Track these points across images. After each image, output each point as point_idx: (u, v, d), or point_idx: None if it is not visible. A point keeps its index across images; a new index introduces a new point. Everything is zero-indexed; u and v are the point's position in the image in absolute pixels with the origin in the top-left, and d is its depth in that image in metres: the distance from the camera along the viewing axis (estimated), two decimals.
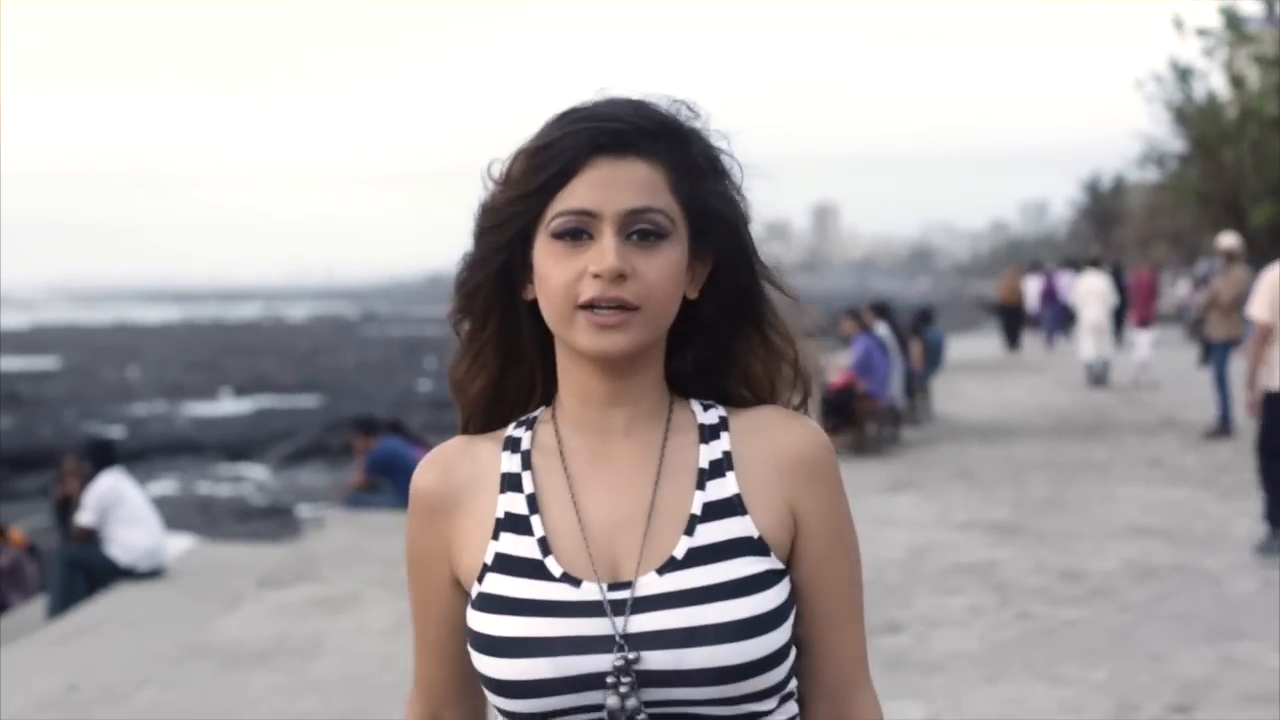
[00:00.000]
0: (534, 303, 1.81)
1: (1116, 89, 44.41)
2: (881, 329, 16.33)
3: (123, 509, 10.37)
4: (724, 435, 1.84)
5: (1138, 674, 6.77)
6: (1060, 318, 33.23)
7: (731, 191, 1.84)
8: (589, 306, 1.73)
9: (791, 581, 1.80)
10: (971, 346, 32.95)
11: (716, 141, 1.85)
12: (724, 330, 1.87)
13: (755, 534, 1.78)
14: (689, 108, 1.85)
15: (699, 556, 1.75)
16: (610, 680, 1.70)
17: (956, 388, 21.81)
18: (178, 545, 11.14)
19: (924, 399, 18.70)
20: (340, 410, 31.32)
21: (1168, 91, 38.91)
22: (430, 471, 1.86)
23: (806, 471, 1.82)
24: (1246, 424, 16.01)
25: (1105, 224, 70.07)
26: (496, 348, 1.87)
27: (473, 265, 1.85)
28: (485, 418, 1.90)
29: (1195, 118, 38.62)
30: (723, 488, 1.80)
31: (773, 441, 1.83)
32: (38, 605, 11.22)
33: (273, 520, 20.03)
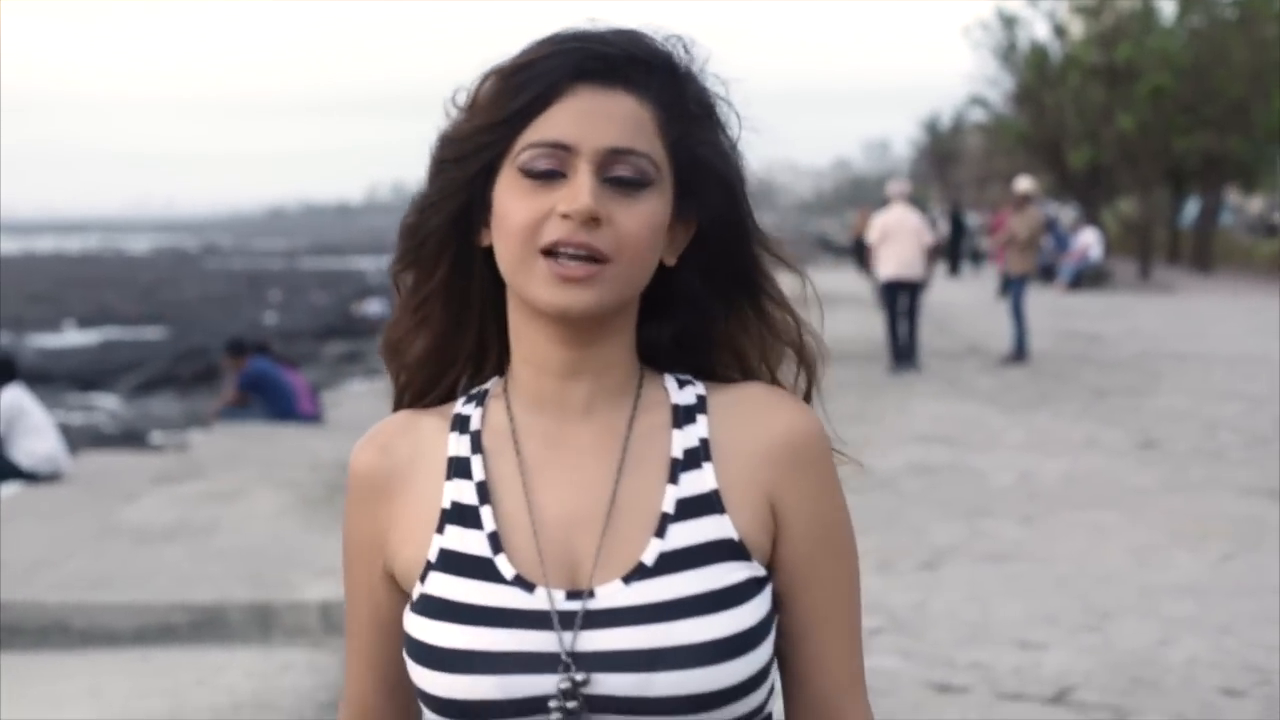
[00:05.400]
0: (489, 251, 1.56)
1: (954, 31, 46.06)
2: None
3: (26, 420, 11.44)
4: (700, 419, 1.58)
5: (899, 542, 8.28)
6: None
7: (726, 145, 1.60)
8: (552, 253, 1.49)
9: (773, 589, 1.56)
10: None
11: (714, 86, 1.61)
12: (709, 303, 1.62)
13: (735, 535, 1.53)
14: (685, 46, 1.60)
15: (671, 562, 1.51)
16: (553, 705, 1.47)
17: None
18: None
19: None
20: (186, 342, 32.09)
21: (994, 38, 40.96)
22: (367, 451, 1.62)
23: (790, 459, 1.56)
24: (1040, 350, 17.87)
25: (944, 163, 72.34)
26: (444, 303, 1.61)
27: (428, 207, 1.58)
28: (424, 390, 1.65)
29: (1020, 64, 40.68)
30: (699, 481, 1.55)
31: (755, 425, 1.58)
32: None
33: (128, 446, 20.91)
